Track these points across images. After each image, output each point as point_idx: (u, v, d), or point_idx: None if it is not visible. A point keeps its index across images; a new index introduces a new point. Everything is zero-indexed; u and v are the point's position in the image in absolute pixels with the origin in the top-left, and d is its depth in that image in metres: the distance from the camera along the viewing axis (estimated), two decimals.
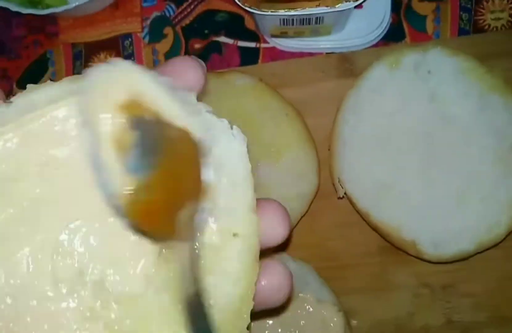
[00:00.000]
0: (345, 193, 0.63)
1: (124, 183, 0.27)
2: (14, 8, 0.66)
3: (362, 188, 0.62)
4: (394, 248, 0.65)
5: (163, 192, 0.28)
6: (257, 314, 0.32)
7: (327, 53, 0.70)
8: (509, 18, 0.69)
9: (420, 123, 0.63)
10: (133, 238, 0.30)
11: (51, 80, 0.75)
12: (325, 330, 0.64)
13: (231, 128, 0.31)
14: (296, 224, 0.65)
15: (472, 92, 0.62)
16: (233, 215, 0.31)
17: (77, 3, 0.66)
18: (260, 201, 0.32)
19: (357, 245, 0.67)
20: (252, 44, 0.73)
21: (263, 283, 0.32)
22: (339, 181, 0.63)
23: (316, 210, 0.66)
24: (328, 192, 0.66)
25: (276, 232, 0.32)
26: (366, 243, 0.67)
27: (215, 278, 0.30)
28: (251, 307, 0.30)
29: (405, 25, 0.71)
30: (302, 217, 0.65)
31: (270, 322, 0.63)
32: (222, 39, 0.73)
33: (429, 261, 0.63)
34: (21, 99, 0.29)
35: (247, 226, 0.31)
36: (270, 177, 0.63)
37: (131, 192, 0.27)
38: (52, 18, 0.73)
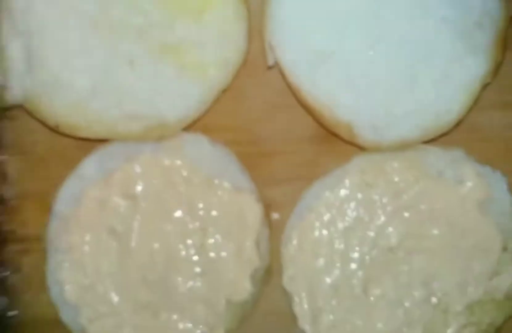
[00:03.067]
0: (276, 63, 0.53)
1: None
2: None
3: (295, 55, 0.52)
4: (329, 136, 0.57)
5: None
6: None
7: None
8: None
9: None
10: None
11: None
12: (240, 222, 0.55)
13: None
14: (217, 102, 0.55)
15: None
16: None
17: None
18: None
19: (288, 131, 0.58)
20: None
21: None
22: (269, 46, 0.53)
23: (242, 86, 0.57)
24: (258, 65, 0.56)
25: None
26: (298, 128, 0.58)
27: None
28: None
29: None
30: (224, 92, 0.55)
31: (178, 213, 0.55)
32: None
33: (366, 149, 0.55)
34: None
35: None
36: (188, 37, 0.53)
37: None
38: None
